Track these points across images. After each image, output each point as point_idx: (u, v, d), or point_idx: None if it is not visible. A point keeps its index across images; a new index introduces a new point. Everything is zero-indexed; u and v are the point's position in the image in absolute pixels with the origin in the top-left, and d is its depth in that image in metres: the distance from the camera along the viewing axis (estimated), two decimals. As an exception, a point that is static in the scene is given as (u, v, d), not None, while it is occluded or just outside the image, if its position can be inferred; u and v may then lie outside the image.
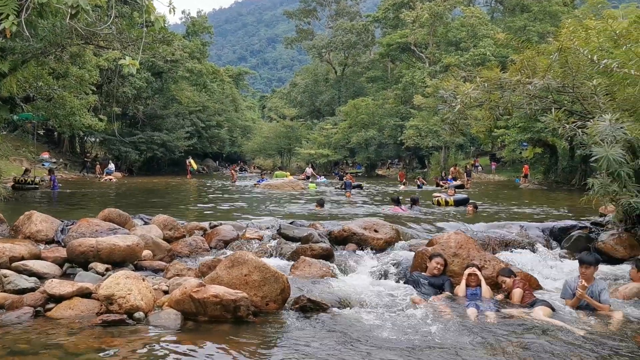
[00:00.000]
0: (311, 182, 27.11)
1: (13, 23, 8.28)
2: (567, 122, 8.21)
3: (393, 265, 7.60)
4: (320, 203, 14.19)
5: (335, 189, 24.28)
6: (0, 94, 13.60)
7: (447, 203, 15.35)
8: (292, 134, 59.72)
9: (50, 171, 20.53)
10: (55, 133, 37.32)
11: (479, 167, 39.10)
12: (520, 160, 33.76)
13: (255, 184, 26.31)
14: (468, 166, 34.81)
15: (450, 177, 30.18)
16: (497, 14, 50.31)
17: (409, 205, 14.37)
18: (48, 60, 15.59)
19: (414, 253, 7.55)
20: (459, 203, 15.25)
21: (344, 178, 35.13)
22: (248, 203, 16.73)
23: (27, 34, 10.57)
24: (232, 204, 16.45)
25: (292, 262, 7.52)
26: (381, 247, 8.52)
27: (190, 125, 45.82)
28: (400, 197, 15.30)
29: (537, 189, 25.78)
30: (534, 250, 8.41)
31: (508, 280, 6.52)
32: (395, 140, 42.06)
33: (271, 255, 8.21)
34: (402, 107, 43.13)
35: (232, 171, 36.79)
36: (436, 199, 15.92)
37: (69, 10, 8.86)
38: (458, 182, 25.77)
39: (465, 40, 39.67)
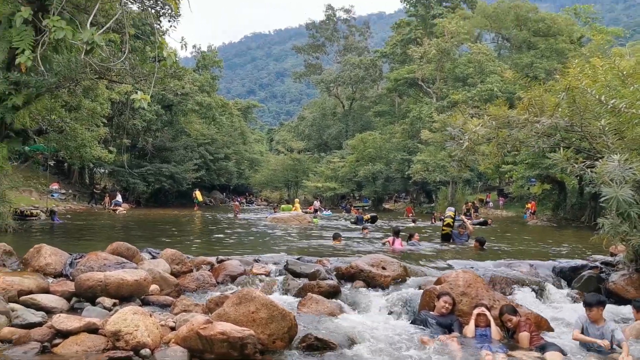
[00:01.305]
0: (314, 217, 27.12)
1: (28, 58, 8.48)
2: (575, 160, 8.22)
3: (401, 304, 7.54)
4: (336, 237, 14.19)
5: (349, 221, 24.26)
6: (14, 127, 13.79)
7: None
8: (299, 166, 60.02)
9: (52, 212, 20.66)
10: (65, 164, 37.64)
11: (490, 203, 38.85)
12: (528, 196, 33.67)
13: (267, 217, 26.27)
14: (476, 202, 34.73)
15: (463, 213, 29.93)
16: (503, 51, 50.83)
17: (407, 238, 14.36)
18: (61, 94, 15.86)
19: (422, 291, 7.50)
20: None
21: (351, 211, 35.11)
22: (255, 237, 16.72)
23: (42, 68, 10.82)
24: (238, 237, 16.44)
25: (299, 299, 7.48)
26: (389, 285, 8.46)
27: (198, 158, 46.10)
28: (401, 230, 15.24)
29: (546, 226, 25.63)
30: (543, 290, 8.32)
31: (514, 318, 6.43)
32: (402, 174, 42.12)
33: (278, 291, 8.17)
34: (410, 141, 43.34)
35: (235, 203, 36.72)
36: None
37: (84, 46, 9.06)
38: (481, 219, 25.63)
39: (472, 76, 40.04)
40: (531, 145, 9.46)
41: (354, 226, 22.61)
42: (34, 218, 19.51)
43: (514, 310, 6.53)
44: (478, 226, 22.23)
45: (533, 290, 8.18)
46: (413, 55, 45.24)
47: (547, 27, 42.38)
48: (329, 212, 37.60)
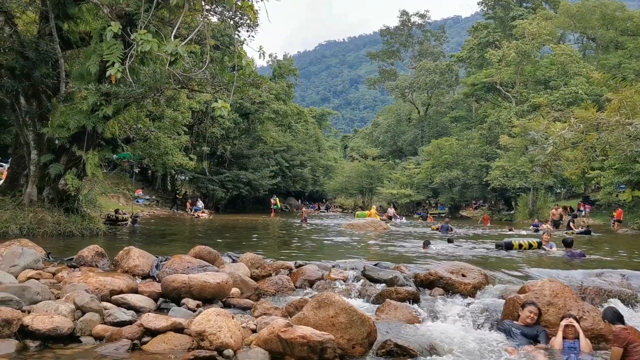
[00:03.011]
0: (388, 224, 26.94)
1: (118, 70, 8.94)
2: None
3: (482, 312, 7.33)
4: (426, 244, 14.11)
5: (430, 228, 23.96)
6: (104, 136, 14.58)
7: (530, 246, 14.66)
8: (373, 173, 59.89)
9: (134, 218, 21.43)
10: (149, 171, 39.43)
11: (583, 212, 36.51)
12: (617, 204, 31.95)
13: (342, 225, 26.39)
14: (561, 210, 33.22)
15: (551, 220, 28.63)
16: (589, 51, 48.68)
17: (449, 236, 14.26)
18: (146, 104, 16.63)
19: (504, 300, 7.27)
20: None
21: (428, 219, 34.60)
22: (331, 243, 16.79)
23: (130, 79, 11.39)
24: (315, 243, 16.57)
25: (377, 305, 7.43)
26: (469, 293, 8.24)
27: (274, 165, 46.99)
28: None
29: (637, 234, 24.20)
30: (638, 302, 7.84)
31: (613, 327, 5.89)
32: (480, 181, 41.16)
33: (355, 297, 8.15)
34: (488, 147, 42.32)
35: (304, 209, 36.78)
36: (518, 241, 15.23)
37: (169, 58, 9.46)
38: (583, 228, 24.31)
39: (555, 78, 38.54)
40: (622, 149, 9.00)
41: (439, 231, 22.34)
42: (123, 222, 20.40)
43: (618, 318, 6.07)
44: (581, 236, 21.17)
45: (625, 301, 7.72)
46: (491, 58, 44.19)
47: (635, 26, 40.23)
48: (404, 219, 37.21)
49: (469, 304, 7.75)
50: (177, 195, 38.36)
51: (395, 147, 69.17)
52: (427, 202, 55.70)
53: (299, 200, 64.07)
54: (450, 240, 16.31)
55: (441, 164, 45.40)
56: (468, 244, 17.27)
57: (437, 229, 23.29)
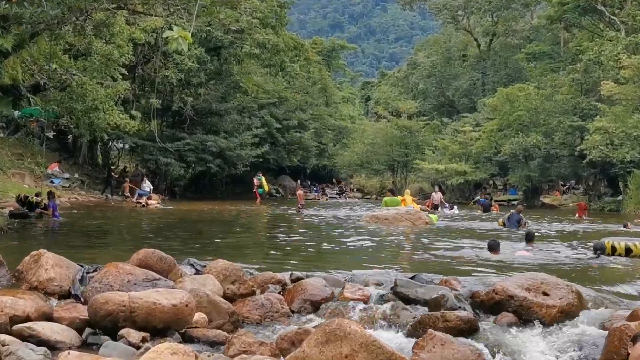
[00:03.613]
0: (431, 213, 26.92)
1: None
2: None
3: (573, 350, 7.36)
4: (494, 246, 14.09)
5: (498, 223, 23.95)
6: (1, 81, 14.55)
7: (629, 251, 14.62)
8: (410, 139, 59.79)
9: (50, 195, 21.02)
10: (70, 137, 39.42)
11: None
12: None
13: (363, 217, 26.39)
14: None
15: None
16: None
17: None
18: (65, 33, 16.52)
19: (607, 331, 7.26)
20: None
21: (492, 209, 34.55)
22: (344, 245, 16.79)
23: (40, -4, 11.31)
24: (321, 243, 16.59)
25: (415, 339, 7.43)
26: (553, 319, 8.26)
27: (260, 126, 46.81)
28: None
29: None
30: None
31: None
32: (571, 151, 41.07)
33: (382, 326, 8.18)
34: (583, 99, 42.09)
35: (299, 192, 36.33)
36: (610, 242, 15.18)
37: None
38: None
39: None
40: None
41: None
42: (39, 212, 20.03)
43: None
44: None
45: None
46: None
47: None
48: (455, 208, 37.16)
49: (552, 336, 7.76)
50: (113, 174, 38.34)
51: (442, 99, 68.97)
52: (491, 182, 55.61)
53: (298, 181, 64.37)
54: (529, 238, 16.24)
55: (512, 125, 45.13)
56: (552, 245, 17.26)
57: (502, 225, 23.26)
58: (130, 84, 30.20)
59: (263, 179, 40.35)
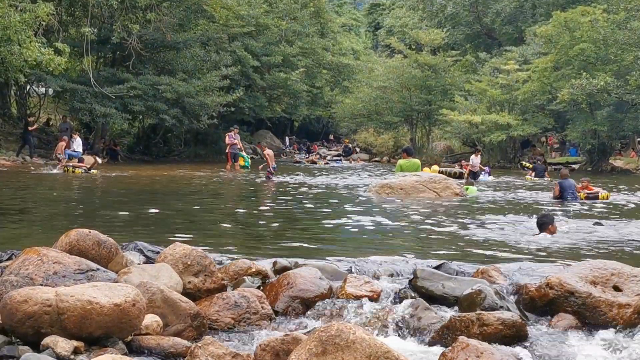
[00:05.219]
0: (467, 185, 26.88)
1: None
2: None
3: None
4: (545, 222, 14.12)
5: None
6: None
7: None
8: (434, 81, 59.66)
9: None
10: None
11: None
12: None
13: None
14: None
15: None
16: None
17: None
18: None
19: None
20: None
21: (545, 175, 34.78)
22: (346, 223, 16.80)
23: None
24: (314, 222, 16.60)
25: (443, 349, 7.47)
26: (628, 323, 8.29)
27: (231, 64, 46.55)
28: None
29: None
30: None
31: None
32: (652, 98, 41.03)
33: (397, 332, 8.20)
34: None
35: (266, 152, 35.64)
36: None
37: None
38: None
39: None
40: None
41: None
42: None
43: None
44: None
45: None
46: None
47: None
48: (487, 173, 37.23)
49: (623, 344, 7.79)
50: (30, 127, 38.15)
51: (478, 27, 68.68)
52: (542, 140, 55.63)
53: (286, 138, 64.07)
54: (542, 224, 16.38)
55: (573, 63, 45.10)
56: (616, 221, 17.36)
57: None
58: (54, 7, 30.00)
59: (237, 138, 39.58)
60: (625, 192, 27.44)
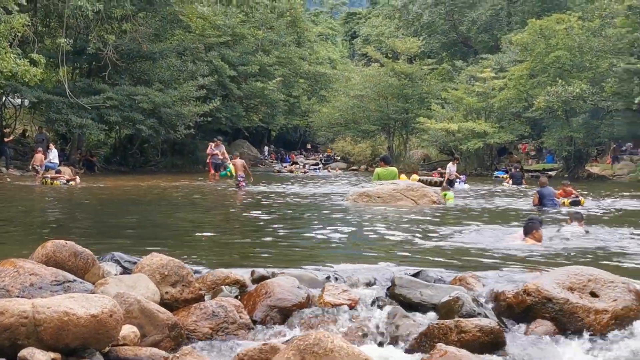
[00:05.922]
0: (444, 191, 26.98)
1: None
2: None
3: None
4: (531, 229, 14.14)
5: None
6: None
7: None
8: (411, 90, 59.80)
9: None
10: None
11: None
12: None
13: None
14: None
15: None
16: None
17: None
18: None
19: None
20: None
21: (523, 181, 35.03)
22: (324, 234, 16.81)
23: None
24: (292, 233, 16.60)
25: (421, 356, 7.50)
26: (605, 329, 8.33)
27: (207, 74, 46.54)
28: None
29: None
30: None
31: None
32: (628, 103, 41.25)
33: (376, 340, 8.21)
34: (642, 34, 42.33)
35: (236, 160, 35.40)
36: None
37: None
38: None
39: None
40: None
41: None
42: None
43: None
44: None
45: None
46: None
47: None
48: (463, 182, 37.37)
49: (603, 351, 7.83)
50: (6, 138, 38.06)
51: (454, 36, 68.94)
52: (520, 147, 55.80)
53: (264, 147, 63.97)
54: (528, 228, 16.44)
55: (548, 70, 45.29)
56: (599, 228, 17.45)
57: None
58: (30, 18, 29.94)
59: (222, 147, 39.53)
60: (598, 198, 27.63)
